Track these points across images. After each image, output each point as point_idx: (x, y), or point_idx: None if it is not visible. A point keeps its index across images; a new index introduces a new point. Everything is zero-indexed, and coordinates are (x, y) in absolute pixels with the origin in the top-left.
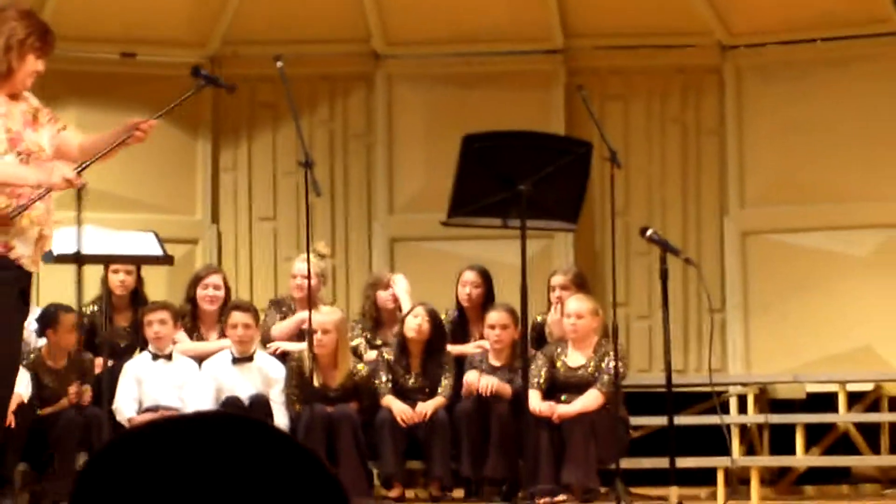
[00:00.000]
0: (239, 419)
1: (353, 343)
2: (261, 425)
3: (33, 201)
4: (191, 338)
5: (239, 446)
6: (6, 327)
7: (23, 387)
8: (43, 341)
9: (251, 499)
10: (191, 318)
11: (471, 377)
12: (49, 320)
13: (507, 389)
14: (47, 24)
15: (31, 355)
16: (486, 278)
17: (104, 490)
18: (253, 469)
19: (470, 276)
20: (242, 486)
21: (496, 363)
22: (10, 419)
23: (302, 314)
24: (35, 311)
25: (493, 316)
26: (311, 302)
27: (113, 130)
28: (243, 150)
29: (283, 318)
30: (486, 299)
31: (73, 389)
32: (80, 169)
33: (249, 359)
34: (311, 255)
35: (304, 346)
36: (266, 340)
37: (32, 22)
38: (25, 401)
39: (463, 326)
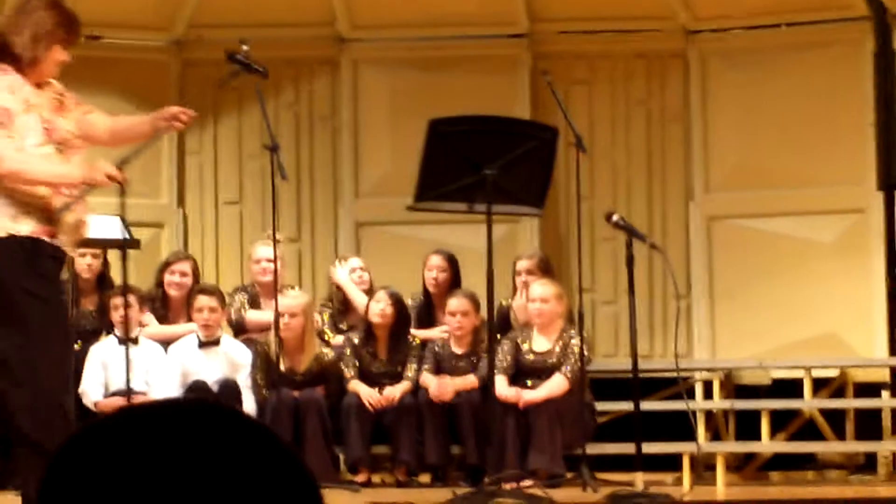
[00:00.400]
0: (209, 406)
1: (319, 327)
2: (231, 412)
3: (79, 198)
4: (160, 323)
5: (208, 434)
6: (62, 326)
7: None
8: None
9: (220, 487)
10: (161, 304)
11: (432, 390)
12: None
13: (471, 383)
14: (75, 14)
15: None
16: (452, 263)
17: (74, 477)
18: (222, 457)
19: (436, 260)
20: (211, 475)
21: (458, 350)
22: None
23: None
24: None
25: (453, 303)
26: (276, 286)
27: (147, 117)
28: (209, 134)
29: (250, 302)
30: (453, 284)
31: None
32: (121, 163)
33: (216, 343)
34: (268, 241)
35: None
36: (239, 326)
37: (60, 12)
38: None
39: (429, 311)
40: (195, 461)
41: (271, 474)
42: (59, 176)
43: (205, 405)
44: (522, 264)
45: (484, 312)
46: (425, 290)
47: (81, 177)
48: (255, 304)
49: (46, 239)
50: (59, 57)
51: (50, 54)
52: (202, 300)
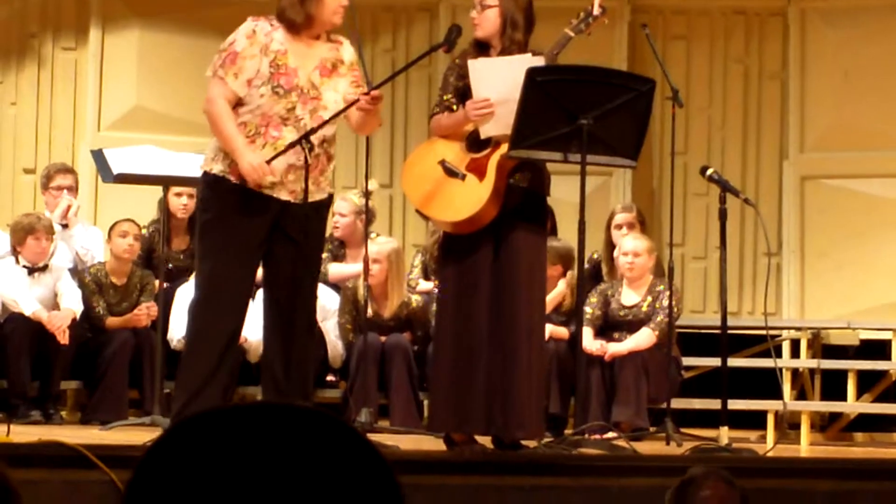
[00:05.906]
0: (294, 408)
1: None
2: (321, 415)
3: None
4: None
5: (298, 436)
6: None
7: (76, 302)
8: (107, 256)
9: (304, 485)
10: None
11: None
12: (109, 230)
13: (562, 334)
14: None
15: (94, 270)
16: (551, 214)
17: (160, 479)
18: (306, 456)
19: None
20: (296, 474)
21: None
22: (64, 335)
23: (357, 267)
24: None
25: None
26: (366, 233)
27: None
28: None
29: (332, 255)
30: (551, 234)
31: (142, 309)
32: (272, 159)
33: None
34: (356, 194)
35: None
36: (322, 279)
37: None
38: (77, 317)
39: None
40: (280, 461)
41: (354, 471)
42: (221, 133)
43: (289, 407)
44: (621, 217)
45: (574, 265)
46: None
47: (235, 151)
48: (340, 252)
49: (232, 179)
50: (337, 3)
51: (322, 7)
52: None
